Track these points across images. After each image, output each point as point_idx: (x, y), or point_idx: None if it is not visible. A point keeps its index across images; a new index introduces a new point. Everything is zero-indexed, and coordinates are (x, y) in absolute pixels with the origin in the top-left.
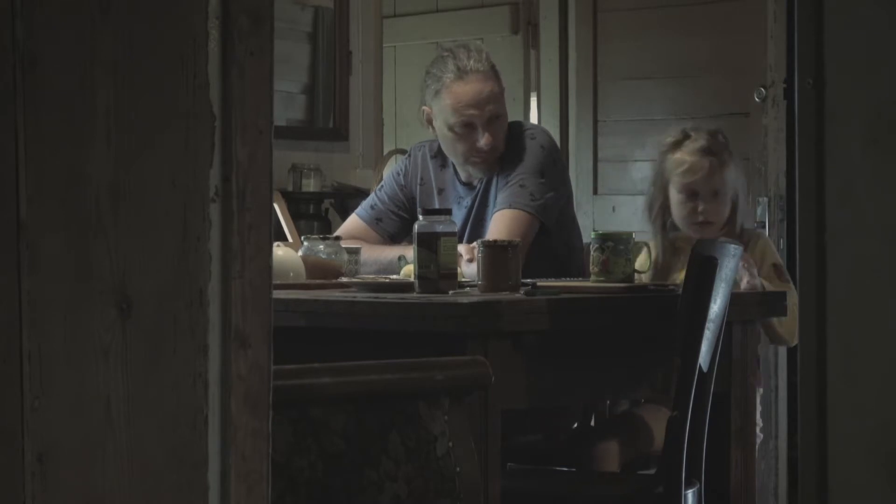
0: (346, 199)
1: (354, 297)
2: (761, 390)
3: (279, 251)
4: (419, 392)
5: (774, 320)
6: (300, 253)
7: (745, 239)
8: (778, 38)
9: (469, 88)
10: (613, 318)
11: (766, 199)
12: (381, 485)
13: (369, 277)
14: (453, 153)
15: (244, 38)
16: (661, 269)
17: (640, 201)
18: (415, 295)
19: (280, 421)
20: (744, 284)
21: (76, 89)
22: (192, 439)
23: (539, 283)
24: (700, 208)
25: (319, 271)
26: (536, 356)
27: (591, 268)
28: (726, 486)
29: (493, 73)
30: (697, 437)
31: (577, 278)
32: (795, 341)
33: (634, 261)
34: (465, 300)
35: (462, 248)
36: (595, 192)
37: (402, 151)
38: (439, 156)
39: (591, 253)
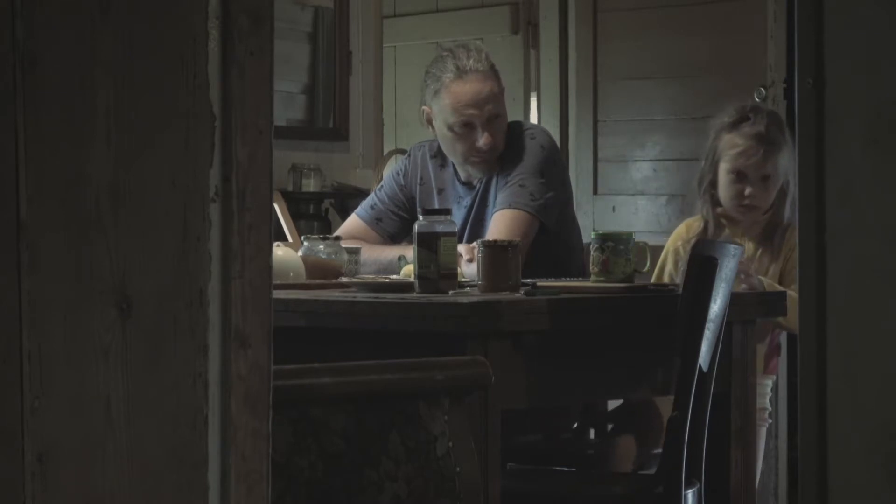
0: (346, 199)
1: (354, 297)
2: (774, 377)
3: (279, 251)
4: (419, 392)
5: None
6: (300, 253)
7: (786, 226)
8: (778, 38)
9: (468, 88)
10: (613, 318)
11: None
12: (381, 485)
13: (369, 277)
14: (453, 153)
15: (244, 38)
16: None
17: (640, 201)
18: (415, 295)
19: (280, 421)
20: (742, 287)
21: (76, 89)
22: (192, 439)
23: (539, 283)
24: (747, 192)
25: (319, 271)
26: (536, 356)
27: (591, 268)
28: (726, 486)
29: (493, 73)
30: (697, 437)
31: (577, 278)
32: None
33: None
34: (465, 300)
35: (462, 248)
36: (595, 192)
37: (402, 151)
38: (439, 156)
39: (591, 253)
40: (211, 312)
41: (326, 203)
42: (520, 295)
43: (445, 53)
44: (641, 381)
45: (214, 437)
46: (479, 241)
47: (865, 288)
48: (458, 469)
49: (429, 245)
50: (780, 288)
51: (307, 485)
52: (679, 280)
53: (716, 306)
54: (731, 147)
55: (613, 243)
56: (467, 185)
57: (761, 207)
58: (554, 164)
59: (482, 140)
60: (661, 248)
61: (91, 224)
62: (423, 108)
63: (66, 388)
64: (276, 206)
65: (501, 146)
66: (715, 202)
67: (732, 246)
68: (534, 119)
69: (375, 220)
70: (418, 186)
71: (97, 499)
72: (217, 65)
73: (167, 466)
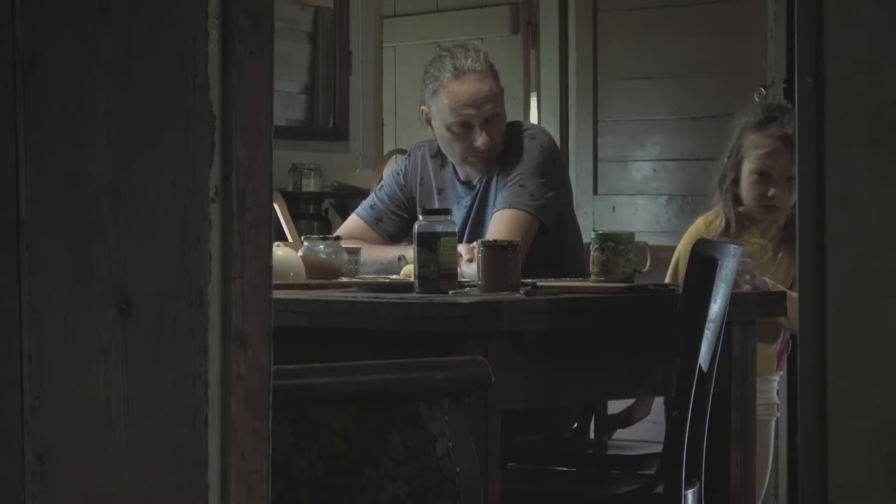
0: (346, 199)
1: (354, 297)
2: (783, 372)
3: (279, 251)
4: (419, 392)
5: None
6: (300, 253)
7: None
8: (778, 38)
9: (466, 88)
10: (613, 318)
11: None
12: (381, 485)
13: (369, 277)
14: (451, 153)
15: (244, 38)
16: None
17: (640, 201)
18: (415, 295)
19: (280, 421)
20: (746, 288)
21: (76, 89)
22: (192, 439)
23: (539, 283)
24: (771, 192)
25: (319, 271)
26: (536, 356)
27: (591, 268)
28: (726, 486)
29: (491, 73)
30: (697, 437)
31: (577, 278)
32: None
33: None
34: (465, 300)
35: (462, 248)
36: (595, 192)
37: (402, 151)
38: (439, 155)
39: (591, 253)
40: (211, 312)
41: (326, 203)
42: (520, 295)
43: (444, 53)
44: (641, 381)
45: (214, 437)
46: (479, 241)
47: (865, 288)
48: (458, 469)
49: (429, 245)
50: (781, 288)
51: (307, 485)
52: None
53: (716, 306)
54: (756, 147)
55: (613, 243)
56: (467, 184)
57: (784, 208)
58: (554, 164)
59: (480, 140)
60: (661, 248)
61: (91, 224)
62: (423, 107)
63: (66, 388)
64: (276, 206)
65: (500, 146)
66: (736, 201)
67: (732, 246)
68: (534, 119)
69: (375, 220)
70: (418, 186)
71: (97, 499)
72: (217, 65)
73: (167, 466)
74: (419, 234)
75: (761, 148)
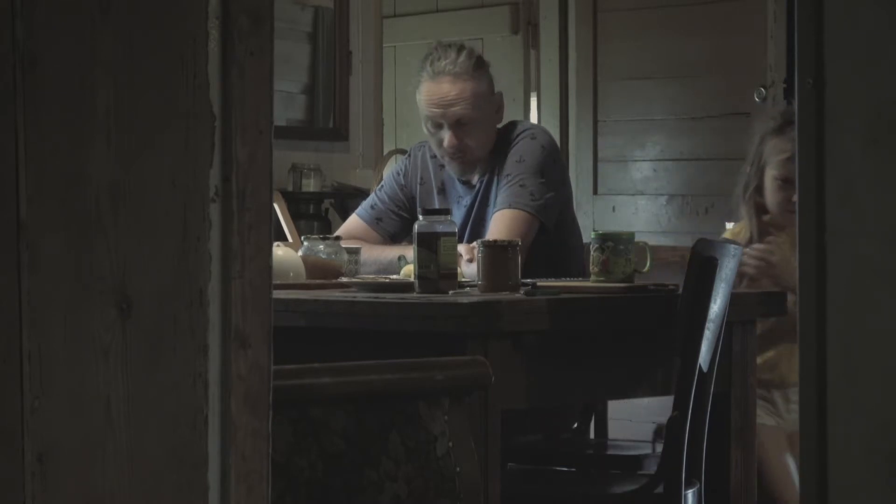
0: (346, 199)
1: (354, 297)
2: None
3: (279, 251)
4: (419, 392)
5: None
6: (300, 253)
7: None
8: (778, 38)
9: (436, 89)
10: (613, 318)
11: None
12: (381, 485)
13: (369, 277)
14: (433, 148)
15: (244, 38)
16: None
17: (640, 201)
18: (415, 295)
19: (280, 421)
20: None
21: (76, 89)
22: (192, 439)
23: (539, 283)
24: (795, 197)
25: (319, 271)
26: (536, 356)
27: (591, 268)
28: (726, 486)
29: (471, 76)
30: (697, 437)
31: (577, 278)
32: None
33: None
34: (465, 300)
35: (462, 248)
36: (595, 192)
37: (402, 151)
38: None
39: (591, 253)
40: (211, 312)
41: (326, 203)
42: (520, 295)
43: (430, 51)
44: (641, 381)
45: (214, 437)
46: (479, 241)
47: (865, 288)
48: (458, 469)
49: (429, 245)
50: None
51: (307, 485)
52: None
53: (716, 306)
54: (778, 152)
55: (613, 243)
56: (467, 184)
57: None
58: (554, 164)
59: (446, 141)
60: (661, 248)
61: (91, 224)
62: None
63: (66, 388)
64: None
65: (478, 149)
66: (759, 209)
67: (732, 246)
68: (534, 119)
69: (376, 220)
70: (418, 186)
71: (97, 499)
72: (217, 65)
73: (167, 466)
74: (419, 234)
75: (784, 153)
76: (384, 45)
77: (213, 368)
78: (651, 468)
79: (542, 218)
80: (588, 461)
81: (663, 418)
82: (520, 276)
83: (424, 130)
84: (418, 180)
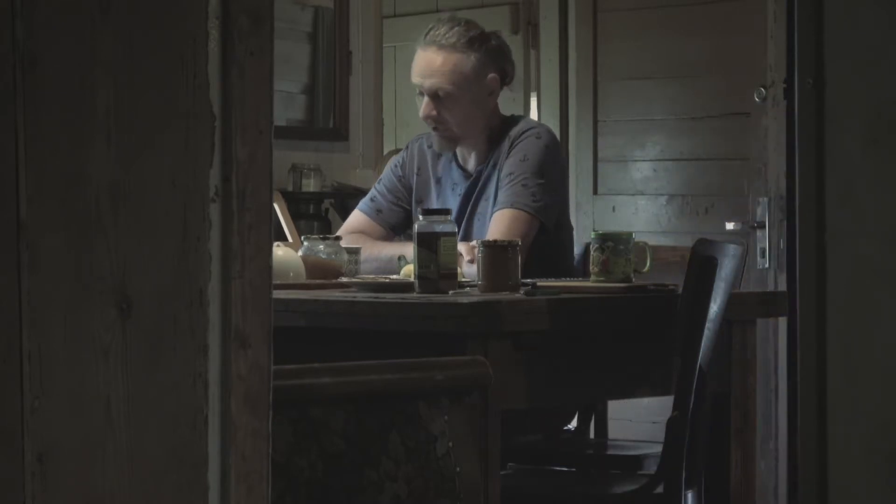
0: (346, 199)
1: (354, 297)
2: None
3: (279, 251)
4: (419, 392)
5: None
6: (300, 253)
7: None
8: (778, 38)
9: (421, 57)
10: (613, 318)
11: (766, 199)
12: (381, 485)
13: (369, 277)
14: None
15: (244, 38)
16: None
17: (640, 201)
18: (415, 295)
19: (280, 421)
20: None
21: (76, 89)
22: (192, 439)
23: (539, 283)
24: None
25: (319, 271)
26: (536, 356)
27: (591, 268)
28: (726, 486)
29: (455, 50)
30: (697, 437)
31: (577, 278)
32: None
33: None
34: (465, 300)
35: (462, 248)
36: (595, 192)
37: None
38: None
39: (591, 253)
40: (211, 312)
41: (326, 203)
42: (520, 295)
43: (434, 21)
44: (641, 381)
45: (214, 437)
46: (480, 241)
47: (865, 288)
48: (458, 469)
49: (429, 245)
50: None
51: (307, 485)
52: None
53: (716, 306)
54: None
55: (613, 243)
56: (463, 171)
57: None
58: (556, 166)
59: (421, 110)
60: (661, 248)
61: (91, 224)
62: None
63: (66, 388)
64: (276, 206)
65: (456, 126)
66: None
67: (732, 246)
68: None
69: (376, 212)
70: (415, 177)
71: (97, 499)
72: (217, 65)
73: (167, 466)
74: (419, 234)
75: None
76: (384, 45)
77: (213, 368)
78: (651, 468)
79: (542, 219)
80: (588, 461)
81: (663, 418)
82: (520, 276)
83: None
84: (415, 171)
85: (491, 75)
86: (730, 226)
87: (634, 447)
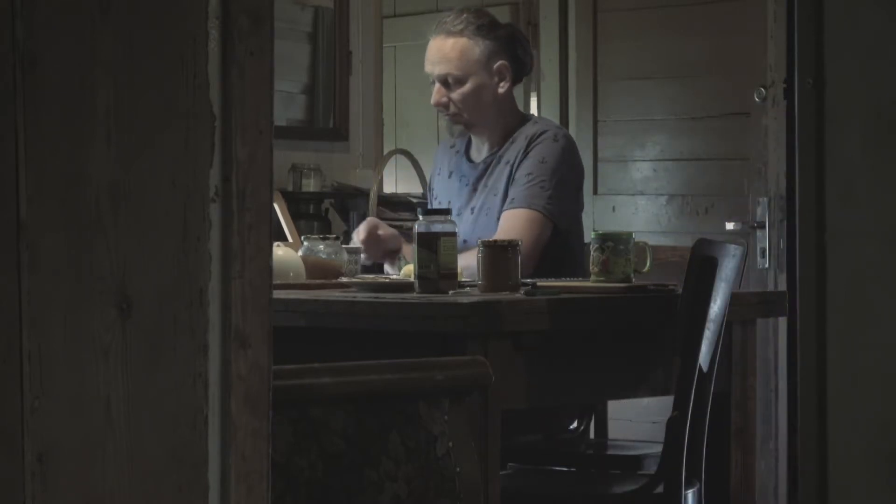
0: (346, 199)
1: (354, 297)
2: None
3: (279, 251)
4: (419, 392)
5: None
6: (300, 253)
7: None
8: (778, 38)
9: (432, 45)
10: (613, 318)
11: (766, 199)
12: (381, 485)
13: (369, 277)
14: None
15: (244, 38)
16: None
17: (640, 201)
18: (415, 295)
19: (280, 421)
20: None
21: (76, 89)
22: (192, 439)
23: (539, 283)
24: None
25: (319, 271)
26: (536, 356)
27: (591, 268)
28: (726, 486)
29: (464, 35)
30: (697, 437)
31: (577, 278)
32: None
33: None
34: (465, 300)
35: (466, 256)
36: (595, 192)
37: (403, 151)
38: (455, 143)
39: (591, 253)
40: (211, 312)
41: (326, 203)
42: (520, 295)
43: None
44: (641, 381)
45: (214, 437)
46: (480, 241)
47: (865, 288)
48: (458, 469)
49: (429, 245)
50: None
51: (307, 485)
52: None
53: (716, 306)
54: None
55: (613, 243)
56: (472, 163)
57: None
58: (573, 170)
59: (432, 97)
60: (661, 248)
61: (91, 224)
62: None
63: (66, 388)
64: (276, 206)
65: (466, 112)
66: None
67: (732, 246)
68: None
69: None
70: (436, 177)
71: (97, 499)
72: (217, 65)
73: (167, 466)
74: (419, 234)
75: None
76: (384, 45)
77: (213, 368)
78: (651, 468)
79: (555, 221)
80: (588, 461)
81: (663, 418)
82: (520, 276)
83: None
84: (437, 172)
85: (500, 62)
86: (730, 226)
87: (634, 447)
